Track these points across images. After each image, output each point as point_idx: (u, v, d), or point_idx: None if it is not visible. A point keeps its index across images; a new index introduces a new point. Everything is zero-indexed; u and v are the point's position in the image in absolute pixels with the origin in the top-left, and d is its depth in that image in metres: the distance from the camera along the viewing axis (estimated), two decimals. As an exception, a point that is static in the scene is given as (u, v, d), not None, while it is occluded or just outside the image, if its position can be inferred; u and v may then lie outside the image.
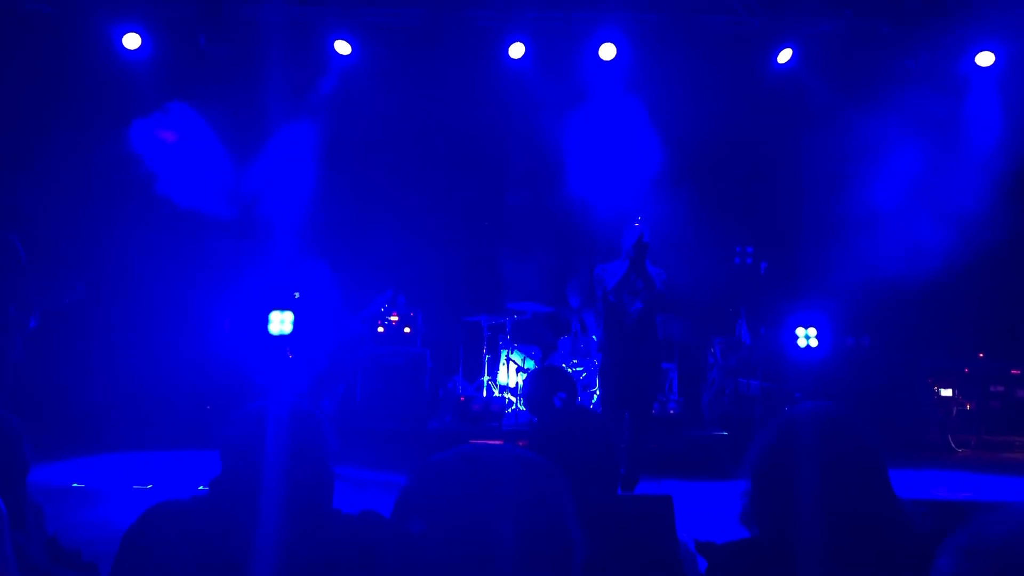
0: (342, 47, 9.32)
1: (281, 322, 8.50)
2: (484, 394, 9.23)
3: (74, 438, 8.34)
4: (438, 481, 1.19)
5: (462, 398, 9.04)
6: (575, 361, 9.23)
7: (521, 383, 9.06)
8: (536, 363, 9.40)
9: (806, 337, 9.50)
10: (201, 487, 2.73)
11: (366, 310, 7.72)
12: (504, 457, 1.21)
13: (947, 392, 9.24)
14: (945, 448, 8.99)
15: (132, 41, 9.01)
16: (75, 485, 6.80)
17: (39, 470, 7.26)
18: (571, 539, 1.18)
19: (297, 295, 7.32)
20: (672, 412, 8.97)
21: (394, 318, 9.39)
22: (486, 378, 9.37)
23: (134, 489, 6.73)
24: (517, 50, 9.32)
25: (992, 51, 9.15)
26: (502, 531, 1.12)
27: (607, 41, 9.20)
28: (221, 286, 9.35)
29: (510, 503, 1.15)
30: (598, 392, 8.60)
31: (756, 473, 1.89)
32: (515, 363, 9.37)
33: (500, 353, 9.44)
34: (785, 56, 9.34)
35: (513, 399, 9.13)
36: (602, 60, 9.33)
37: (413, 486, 1.21)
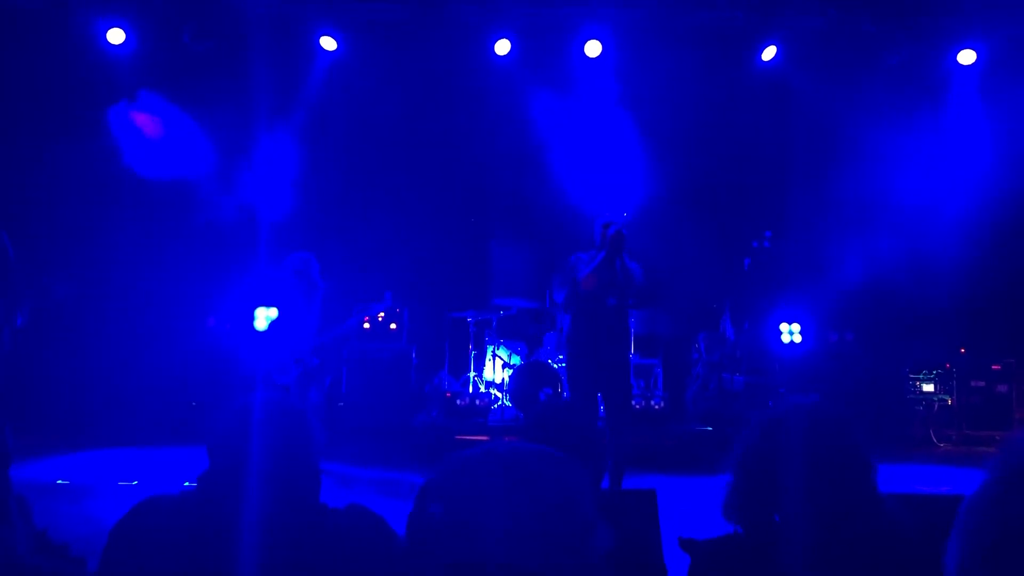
0: (328, 43, 9.32)
1: (267, 318, 8.50)
2: (470, 390, 9.25)
3: (60, 434, 8.31)
4: (466, 476, 1.21)
5: (448, 394, 9.06)
6: (561, 356, 9.26)
7: (507, 379, 9.09)
8: (522, 359, 9.43)
9: (790, 332, 9.56)
10: (187, 483, 2.74)
11: (363, 314, 7.79)
12: (530, 454, 1.24)
13: (929, 387, 9.32)
14: (927, 442, 9.07)
15: (116, 36, 8.98)
16: (60, 482, 6.78)
17: (25, 466, 7.25)
18: (593, 531, 1.22)
19: (286, 286, 7.31)
20: (656, 407, 9.01)
21: (380, 315, 9.40)
22: (472, 374, 9.39)
23: (120, 485, 6.72)
24: (503, 47, 9.34)
25: (974, 49, 9.23)
26: (527, 525, 1.15)
27: (593, 38, 9.23)
28: (207, 282, 9.34)
29: (540, 499, 1.19)
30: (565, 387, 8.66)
31: (740, 468, 1.91)
32: (501, 359, 9.40)
33: (486, 349, 9.47)
34: (769, 53, 9.40)
35: (499, 395, 9.16)
36: (588, 57, 9.36)
37: (440, 481, 1.23)
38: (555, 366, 8.94)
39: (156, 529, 1.96)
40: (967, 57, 9.28)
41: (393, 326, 9.49)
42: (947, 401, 9.27)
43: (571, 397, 6.52)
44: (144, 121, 9.38)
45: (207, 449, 2.03)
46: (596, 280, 6.07)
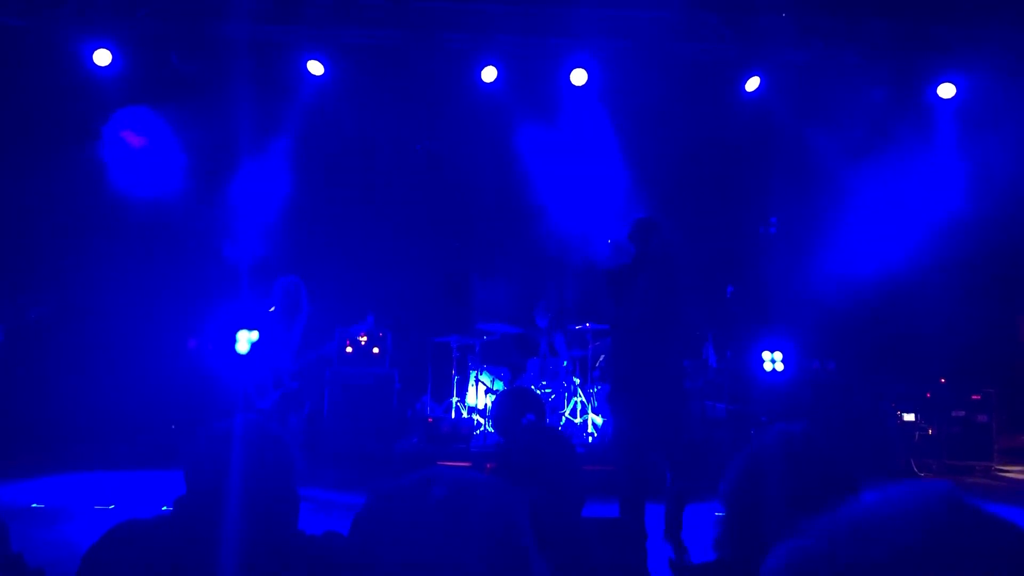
0: (315, 67, 9.35)
1: (249, 341, 8.45)
2: (452, 415, 9.22)
3: (37, 457, 8.21)
4: (396, 504, 1.18)
5: (430, 419, 9.02)
6: (544, 382, 9.26)
7: (490, 404, 9.06)
8: (505, 384, 9.41)
9: (772, 361, 9.59)
10: (164, 507, 2.71)
11: (344, 337, 7.77)
12: (465, 481, 1.21)
13: (909, 417, 9.35)
14: (908, 472, 9.09)
15: (103, 57, 8.97)
16: (34, 506, 6.69)
17: (0, 489, 7.14)
18: (530, 565, 1.18)
19: (273, 309, 7.28)
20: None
21: (363, 338, 9.35)
22: (455, 399, 9.35)
23: (96, 509, 6.64)
24: (489, 74, 9.40)
25: (954, 83, 9.37)
26: (461, 556, 1.12)
27: (579, 67, 9.31)
28: (189, 304, 9.29)
29: (470, 527, 1.14)
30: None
31: (729, 501, 1.91)
32: (484, 384, 9.37)
33: (469, 374, 9.44)
34: (753, 84, 9.50)
35: (482, 420, 9.13)
36: (574, 85, 9.43)
37: (371, 509, 1.20)
38: (538, 392, 8.93)
39: (131, 553, 1.93)
40: (947, 91, 9.42)
41: (376, 350, 9.44)
42: (928, 430, 9.30)
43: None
44: (129, 140, 9.37)
45: (184, 473, 2.01)
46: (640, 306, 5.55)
